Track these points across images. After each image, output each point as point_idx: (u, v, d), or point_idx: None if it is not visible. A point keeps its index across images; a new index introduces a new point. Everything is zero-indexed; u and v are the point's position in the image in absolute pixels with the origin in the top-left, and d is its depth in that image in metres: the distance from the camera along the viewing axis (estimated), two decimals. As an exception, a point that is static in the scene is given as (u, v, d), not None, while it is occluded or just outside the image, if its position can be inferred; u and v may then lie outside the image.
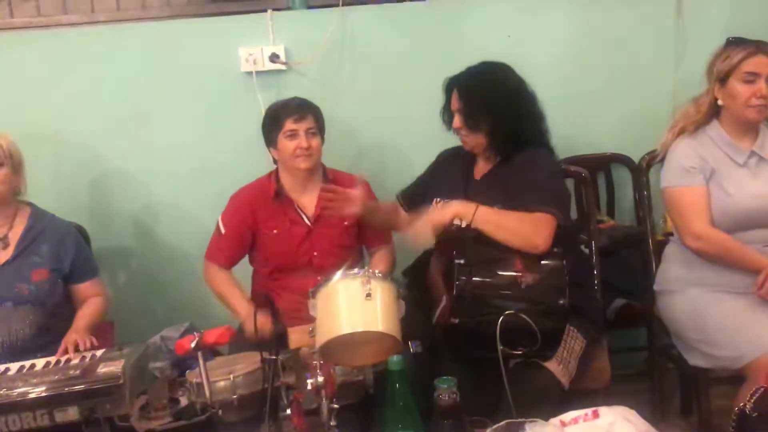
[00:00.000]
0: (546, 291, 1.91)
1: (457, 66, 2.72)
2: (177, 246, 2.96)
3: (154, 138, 2.88)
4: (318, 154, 2.43)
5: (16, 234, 2.32)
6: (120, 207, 2.93)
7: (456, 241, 2.01)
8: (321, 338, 1.68)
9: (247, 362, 1.94)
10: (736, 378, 2.04)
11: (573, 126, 2.86)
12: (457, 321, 1.91)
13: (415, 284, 2.42)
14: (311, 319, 1.82)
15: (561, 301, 1.90)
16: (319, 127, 2.42)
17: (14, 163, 2.29)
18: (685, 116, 2.27)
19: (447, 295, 1.96)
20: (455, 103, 2.23)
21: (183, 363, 2.76)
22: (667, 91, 2.88)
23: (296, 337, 1.88)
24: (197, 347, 1.83)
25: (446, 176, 2.35)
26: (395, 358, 1.53)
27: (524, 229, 2.02)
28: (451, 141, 2.77)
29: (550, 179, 2.18)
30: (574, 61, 2.90)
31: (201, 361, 1.83)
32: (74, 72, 2.84)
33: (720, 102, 2.19)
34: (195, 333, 1.92)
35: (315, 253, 2.43)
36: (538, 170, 2.16)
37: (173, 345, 2.80)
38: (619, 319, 2.60)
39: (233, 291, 2.44)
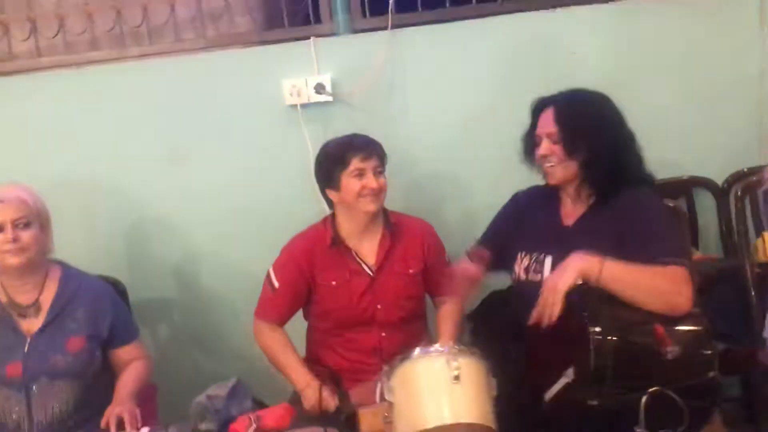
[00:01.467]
0: (693, 362, 1.65)
1: (519, 88, 2.52)
2: (221, 296, 2.75)
3: (192, 180, 2.68)
4: (384, 194, 2.20)
5: (47, 299, 2.10)
6: (158, 256, 2.73)
7: (581, 303, 1.72)
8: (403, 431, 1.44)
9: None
10: None
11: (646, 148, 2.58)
12: (596, 402, 1.60)
13: (481, 331, 2.20)
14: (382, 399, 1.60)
15: (711, 374, 1.63)
16: (384, 167, 2.21)
17: (42, 221, 2.08)
18: None
19: (576, 370, 1.66)
20: (547, 126, 1.96)
21: (231, 422, 2.56)
22: (751, 106, 2.61)
23: (369, 421, 1.64)
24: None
25: (529, 223, 2.07)
26: None
27: (664, 286, 1.73)
28: (520, 172, 2.56)
29: (669, 225, 1.91)
30: (646, 77, 2.62)
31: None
32: (104, 111, 2.64)
33: None
34: (250, 415, 1.70)
35: (378, 306, 2.19)
36: (654, 215, 1.88)
37: (221, 404, 2.60)
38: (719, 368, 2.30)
39: (289, 356, 2.21)
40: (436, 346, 1.51)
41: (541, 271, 1.94)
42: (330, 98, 2.57)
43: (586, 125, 1.92)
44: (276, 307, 2.24)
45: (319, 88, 2.55)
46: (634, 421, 1.53)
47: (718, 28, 2.61)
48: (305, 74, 2.57)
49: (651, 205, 1.91)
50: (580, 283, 1.73)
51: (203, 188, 2.68)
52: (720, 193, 2.53)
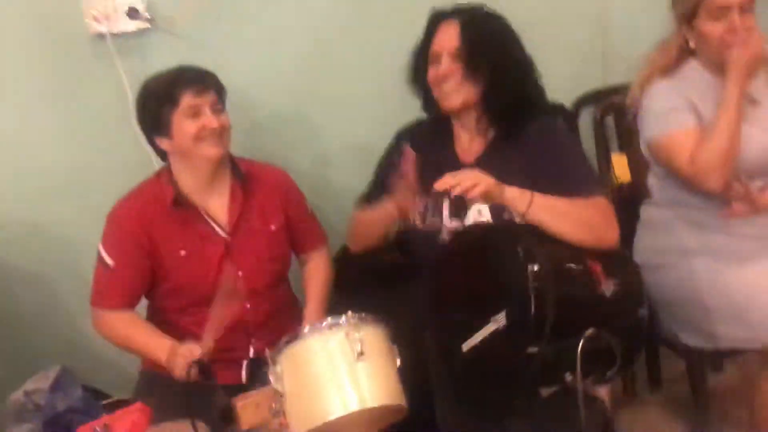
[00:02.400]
0: (625, 301, 1.52)
1: (373, 10, 2.28)
2: (32, 271, 2.28)
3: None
4: (229, 136, 1.84)
5: None
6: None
7: (513, 236, 1.54)
8: (301, 425, 1.18)
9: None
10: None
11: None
12: (536, 350, 1.39)
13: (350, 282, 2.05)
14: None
15: (641, 311, 1.53)
16: (224, 103, 1.84)
17: None
18: (651, 65, 1.94)
19: (510, 314, 1.44)
20: (449, 41, 1.72)
21: (58, 419, 2.17)
22: (593, 28, 2.52)
23: (249, 414, 1.36)
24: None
25: (420, 164, 1.79)
26: None
27: (593, 219, 1.60)
28: (378, 107, 2.33)
29: (582, 156, 1.77)
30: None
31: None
32: None
33: (692, 44, 1.88)
34: (95, 425, 1.37)
35: (240, 273, 1.83)
36: (566, 146, 1.74)
37: (42, 398, 2.20)
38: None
39: (142, 333, 1.83)
40: (329, 320, 1.25)
41: (440, 215, 1.75)
42: (147, 24, 2.14)
43: (493, 44, 1.71)
44: (115, 290, 1.83)
45: (132, 13, 2.11)
46: (566, 367, 1.38)
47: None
48: (111, -7, 2.10)
49: (561, 136, 1.77)
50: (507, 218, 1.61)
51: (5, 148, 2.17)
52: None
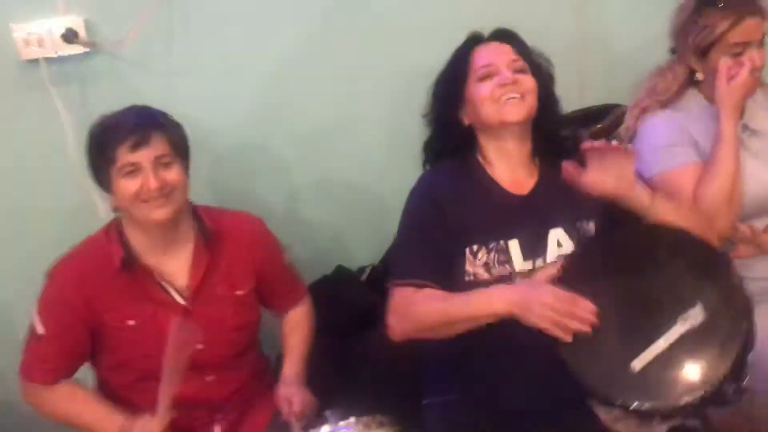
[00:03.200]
0: None
1: (343, 29, 2.07)
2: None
3: None
4: (182, 192, 1.58)
5: None
6: None
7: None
8: None
9: None
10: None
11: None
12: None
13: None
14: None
15: None
16: (176, 151, 1.56)
17: None
18: (650, 95, 1.83)
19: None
20: (505, 56, 1.58)
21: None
22: (570, 48, 2.37)
23: None
24: None
25: (463, 210, 1.55)
26: None
27: (701, 216, 1.58)
28: (351, 133, 2.15)
29: None
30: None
31: None
32: None
33: (700, 76, 1.78)
34: None
35: (199, 346, 1.57)
36: None
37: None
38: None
39: (90, 407, 1.58)
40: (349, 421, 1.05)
41: (509, 260, 1.52)
42: (86, 48, 1.88)
43: (546, 66, 1.63)
44: (45, 363, 1.57)
45: (70, 35, 1.85)
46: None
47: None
48: (46, 16, 1.84)
49: None
50: None
51: None
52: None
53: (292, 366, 1.72)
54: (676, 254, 1.39)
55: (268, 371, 1.75)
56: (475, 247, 1.51)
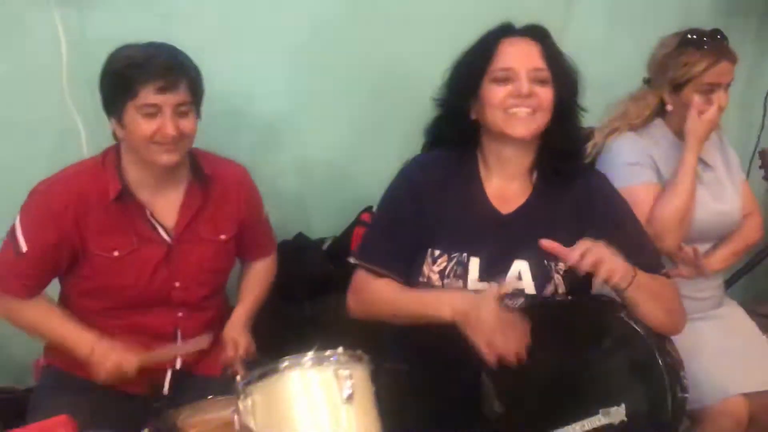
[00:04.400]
0: None
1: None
2: None
3: None
4: (191, 141, 1.59)
5: None
6: None
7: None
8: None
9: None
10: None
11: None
12: None
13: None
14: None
15: None
16: (194, 99, 1.56)
17: None
18: (622, 118, 1.95)
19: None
20: (531, 61, 1.46)
21: None
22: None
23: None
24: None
25: (441, 209, 1.52)
26: None
27: (673, 303, 1.46)
28: (367, 105, 2.24)
29: (639, 221, 1.61)
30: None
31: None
32: None
33: (669, 108, 1.92)
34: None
35: (176, 284, 1.63)
36: (630, 212, 1.55)
37: None
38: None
39: (60, 323, 1.60)
40: (310, 355, 1.11)
41: (464, 276, 1.48)
42: (90, -26, 1.90)
43: (573, 76, 1.50)
44: (20, 278, 1.58)
45: (77, -40, 1.86)
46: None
47: None
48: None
49: (619, 199, 1.57)
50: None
51: None
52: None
53: (242, 312, 1.77)
54: (621, 346, 1.38)
55: (229, 316, 1.79)
56: (437, 252, 1.50)
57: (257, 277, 1.84)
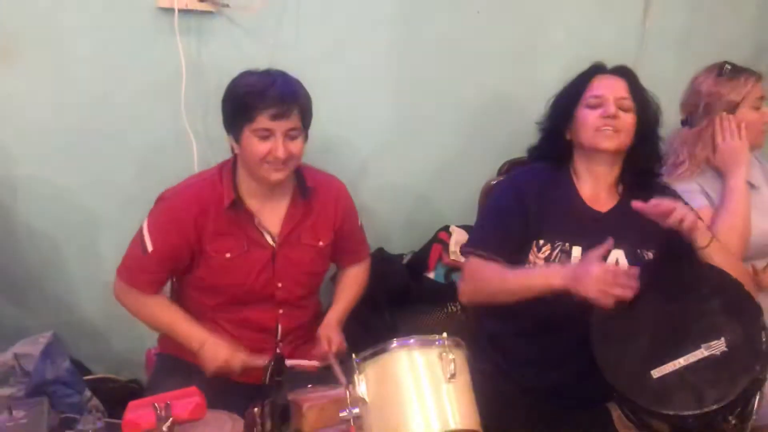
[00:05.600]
0: None
1: (424, 28, 2.35)
2: (38, 231, 2.19)
3: (19, 86, 2.06)
4: (298, 161, 1.77)
5: None
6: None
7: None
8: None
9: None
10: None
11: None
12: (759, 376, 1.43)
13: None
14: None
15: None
16: (304, 124, 1.74)
17: None
18: (692, 159, 2.02)
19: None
20: (618, 91, 1.76)
21: (43, 387, 2.09)
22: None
23: (314, 416, 1.36)
24: (170, 429, 1.24)
25: (545, 207, 1.76)
26: None
27: (744, 277, 1.67)
28: (425, 134, 2.43)
29: None
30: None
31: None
32: None
33: (718, 140, 1.99)
34: (154, 401, 1.33)
35: (279, 284, 1.82)
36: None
37: (31, 365, 2.12)
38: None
39: (176, 317, 1.80)
40: (417, 337, 1.27)
41: (567, 263, 1.71)
42: (213, 9, 2.12)
43: (653, 107, 1.80)
44: (147, 274, 1.78)
45: (207, -6, 2.09)
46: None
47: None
48: (187, -26, 2.08)
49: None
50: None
51: (34, 98, 2.08)
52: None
53: (337, 312, 1.93)
54: (716, 293, 1.54)
55: (322, 317, 1.95)
56: (541, 242, 1.73)
57: (351, 281, 2.00)
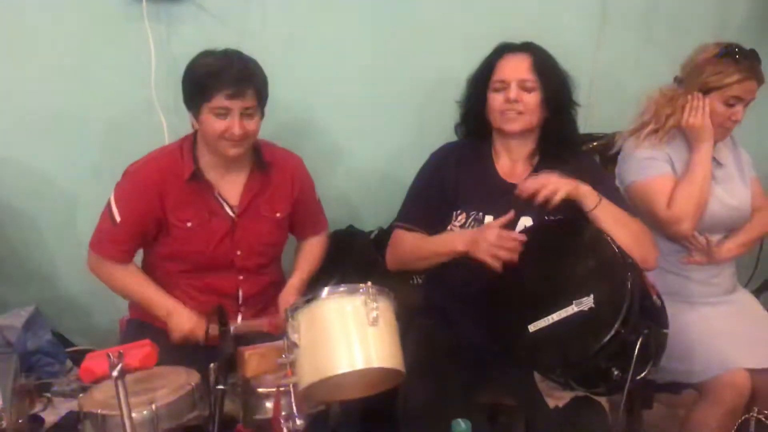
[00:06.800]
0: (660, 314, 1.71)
1: (392, 10, 2.43)
2: (17, 210, 2.32)
3: None
4: (254, 137, 1.88)
5: None
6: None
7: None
8: (308, 377, 1.31)
9: (170, 382, 1.52)
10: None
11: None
12: (609, 337, 1.52)
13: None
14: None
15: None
16: (260, 103, 1.84)
17: None
18: (649, 113, 2.11)
19: (598, 298, 1.57)
20: (520, 73, 1.85)
21: (26, 357, 2.22)
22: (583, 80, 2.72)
23: (255, 362, 1.47)
24: (120, 374, 1.35)
25: (462, 180, 1.91)
26: (462, 425, 1.22)
27: (645, 236, 1.80)
28: (391, 113, 2.51)
29: (620, 193, 1.97)
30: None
31: (121, 393, 1.35)
32: None
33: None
34: (108, 351, 1.43)
35: (238, 252, 1.93)
36: (610, 179, 1.93)
37: (14, 336, 2.25)
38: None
39: (141, 283, 1.93)
40: (345, 286, 1.38)
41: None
42: (179, -5, 2.24)
43: (558, 81, 1.88)
44: (117, 244, 1.90)
45: (169, -17, 2.20)
46: (616, 363, 1.56)
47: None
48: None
49: (602, 173, 1.95)
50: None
51: (10, 87, 2.22)
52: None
53: (297, 279, 2.03)
54: (591, 252, 1.68)
55: (283, 283, 2.06)
56: (459, 211, 1.88)
57: (309, 252, 2.11)
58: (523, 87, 1.85)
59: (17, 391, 1.66)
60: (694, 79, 2.04)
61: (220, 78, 1.76)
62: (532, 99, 1.85)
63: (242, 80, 1.78)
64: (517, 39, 2.31)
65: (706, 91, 2.02)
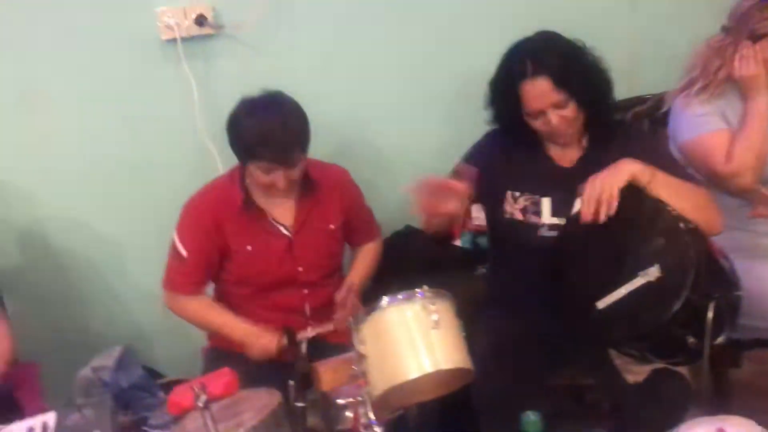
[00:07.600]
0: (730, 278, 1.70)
1: (425, 22, 2.45)
2: (100, 258, 2.47)
3: (50, 127, 2.31)
4: (299, 180, 1.96)
5: None
6: (12, 219, 2.36)
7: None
8: (380, 385, 1.35)
9: (254, 405, 1.58)
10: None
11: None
12: (677, 307, 1.51)
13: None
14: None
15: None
16: (303, 153, 1.91)
17: None
18: (697, 68, 2.04)
19: (664, 267, 1.55)
20: (547, 98, 1.79)
21: (122, 395, 2.33)
22: (623, 41, 2.66)
23: (329, 376, 1.53)
24: (205, 404, 1.43)
25: (517, 162, 1.93)
26: (532, 417, 1.24)
27: (707, 203, 1.76)
28: (427, 110, 2.52)
29: (672, 154, 1.96)
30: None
31: (209, 422, 1.43)
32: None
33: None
34: (192, 384, 1.51)
35: (299, 269, 2.02)
36: (663, 147, 1.94)
37: (107, 376, 2.36)
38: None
39: (217, 314, 2.03)
40: (405, 293, 1.42)
41: (539, 213, 1.88)
42: (212, 31, 2.31)
43: (582, 70, 1.82)
44: (187, 277, 2.01)
45: (201, 20, 2.28)
46: (690, 330, 1.54)
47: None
48: (183, 4, 2.26)
49: (652, 137, 1.98)
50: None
51: (62, 138, 2.33)
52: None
53: (353, 278, 2.11)
54: (651, 223, 1.66)
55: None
56: (516, 193, 1.90)
57: (363, 257, 2.18)
58: (557, 106, 1.80)
59: (116, 429, 1.77)
60: (742, 27, 1.97)
61: (267, 144, 1.82)
62: (570, 111, 1.81)
63: (287, 149, 1.84)
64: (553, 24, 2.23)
65: (755, 38, 1.96)
